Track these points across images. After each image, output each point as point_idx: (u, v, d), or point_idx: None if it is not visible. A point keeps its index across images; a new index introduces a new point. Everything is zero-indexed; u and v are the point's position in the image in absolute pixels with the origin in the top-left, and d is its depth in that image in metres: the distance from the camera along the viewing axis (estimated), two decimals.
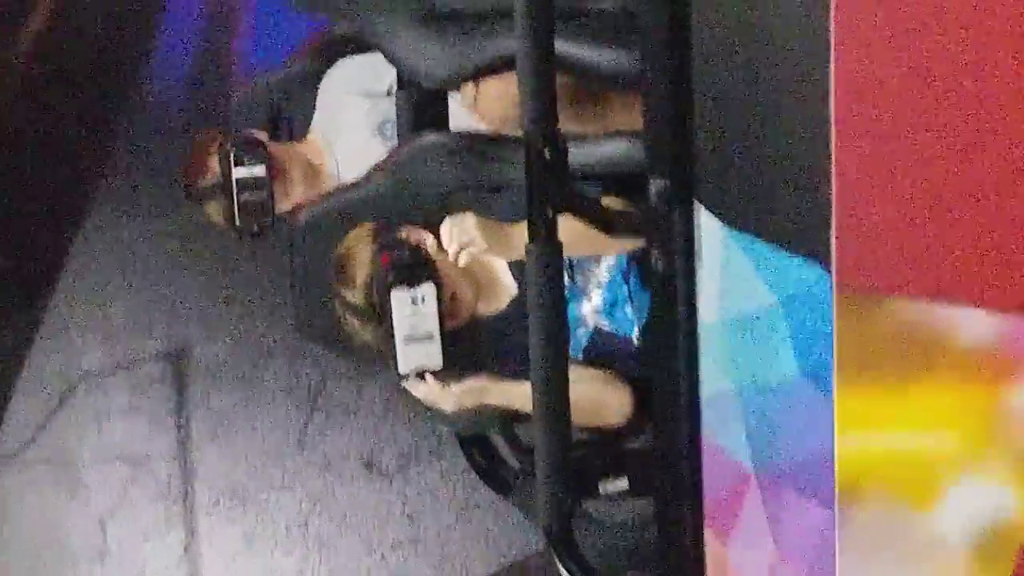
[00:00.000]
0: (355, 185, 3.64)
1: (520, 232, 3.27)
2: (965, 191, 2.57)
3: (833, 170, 2.57)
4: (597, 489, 3.38)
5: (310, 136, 4.20)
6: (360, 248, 3.42)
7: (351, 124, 4.13)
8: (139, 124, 6.20)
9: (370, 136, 4.11)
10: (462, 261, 3.34)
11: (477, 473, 3.77)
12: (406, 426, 5.54)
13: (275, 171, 4.02)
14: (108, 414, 5.76)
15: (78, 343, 5.86)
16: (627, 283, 3.53)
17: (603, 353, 3.56)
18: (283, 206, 4.09)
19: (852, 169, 2.57)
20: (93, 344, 5.86)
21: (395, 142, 3.94)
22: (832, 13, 2.51)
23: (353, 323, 3.42)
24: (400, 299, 3.31)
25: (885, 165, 2.58)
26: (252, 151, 4.01)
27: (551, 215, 2.85)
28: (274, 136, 4.19)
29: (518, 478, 3.72)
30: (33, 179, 6.04)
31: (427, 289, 3.32)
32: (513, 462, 3.74)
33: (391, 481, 5.54)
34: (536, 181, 2.83)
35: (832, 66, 2.53)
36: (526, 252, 2.88)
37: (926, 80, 2.54)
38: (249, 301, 5.83)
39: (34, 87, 6.21)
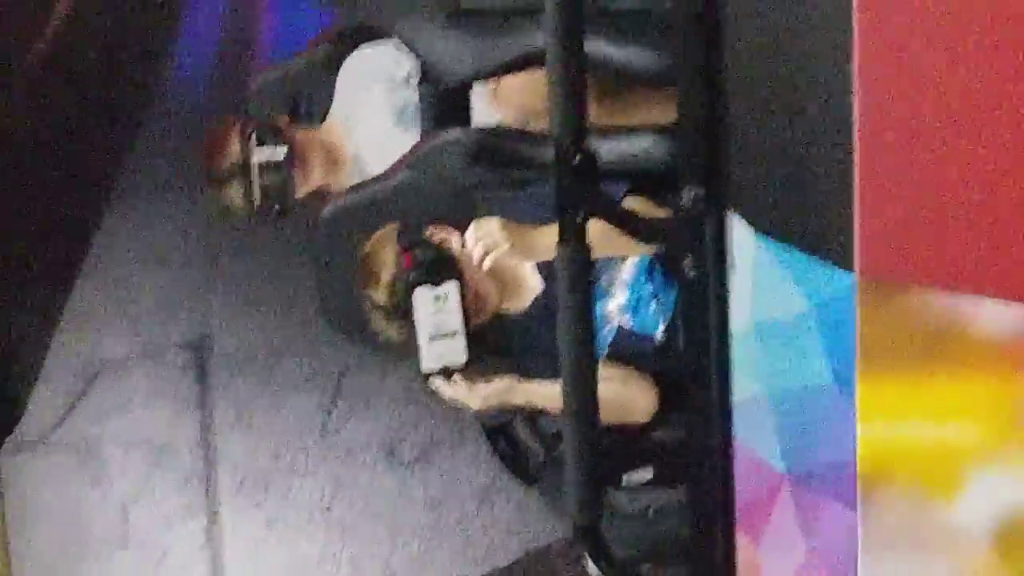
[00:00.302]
0: (378, 179, 3.65)
1: (545, 234, 3.30)
2: (988, 181, 2.57)
3: (856, 158, 2.57)
4: (621, 480, 3.40)
5: (329, 121, 4.22)
6: (385, 248, 3.44)
7: (370, 111, 4.14)
8: (162, 114, 6.20)
9: (389, 122, 4.12)
10: (487, 264, 3.36)
11: (502, 462, 3.78)
12: (428, 413, 5.55)
13: (295, 155, 4.04)
14: (131, 401, 5.78)
15: (102, 331, 5.88)
16: (651, 282, 3.54)
17: (628, 350, 3.58)
18: (303, 190, 4.11)
19: (874, 157, 2.58)
20: (117, 332, 5.87)
21: (415, 128, 3.95)
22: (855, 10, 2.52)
23: (379, 321, 3.45)
24: (423, 297, 3.33)
25: (907, 154, 2.58)
26: (273, 134, 4.03)
27: (581, 220, 2.85)
28: (293, 121, 4.21)
29: (542, 467, 3.73)
30: (57, 169, 6.06)
31: (450, 287, 3.34)
32: (537, 450, 3.76)
33: (413, 468, 5.55)
34: (566, 186, 2.84)
35: (855, 61, 2.54)
36: (556, 256, 2.89)
37: (947, 73, 2.55)
38: (272, 289, 5.84)
39: (59, 75, 6.23)
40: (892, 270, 2.62)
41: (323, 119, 4.24)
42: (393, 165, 3.64)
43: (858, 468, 2.70)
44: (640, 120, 3.50)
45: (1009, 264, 2.59)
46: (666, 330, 3.55)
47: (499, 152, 3.50)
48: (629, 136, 3.39)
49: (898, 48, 2.54)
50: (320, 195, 4.20)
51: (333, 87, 4.21)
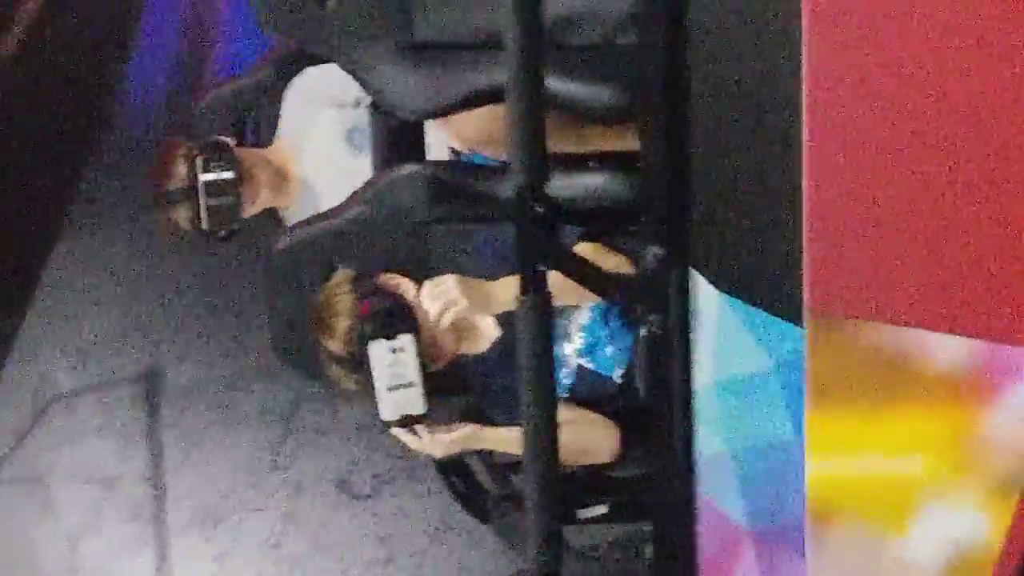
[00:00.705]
0: (332, 213, 3.63)
1: (501, 287, 3.30)
2: (937, 218, 2.58)
3: (804, 194, 2.58)
4: (575, 515, 3.39)
5: (277, 142, 4.20)
6: (339, 297, 3.43)
7: (318, 132, 4.13)
8: (113, 142, 6.19)
9: (338, 144, 4.11)
10: (445, 322, 3.35)
11: (456, 499, 3.76)
12: (380, 448, 5.54)
13: (242, 176, 4.01)
14: (81, 434, 5.75)
15: (51, 363, 5.85)
16: (607, 325, 3.54)
17: (587, 392, 3.57)
18: (250, 211, 4.09)
19: (823, 194, 2.59)
20: (66, 364, 5.85)
21: (365, 150, 3.93)
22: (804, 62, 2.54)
23: (335, 371, 3.43)
24: (379, 351, 3.32)
25: (856, 190, 2.60)
26: (220, 156, 4.00)
27: (542, 270, 2.84)
28: (240, 142, 4.19)
29: (497, 503, 3.71)
30: (5, 196, 6.03)
31: (405, 340, 3.32)
32: (491, 486, 3.73)
33: (365, 503, 5.53)
34: (527, 236, 2.83)
35: (804, 107, 2.55)
36: (517, 305, 2.87)
37: (891, 120, 2.57)
38: (223, 322, 5.82)
39: (7, 103, 6.20)
40: (841, 306, 2.63)
41: (270, 140, 4.22)
42: (347, 200, 3.62)
43: (808, 503, 2.70)
44: (595, 145, 3.49)
45: (957, 299, 2.60)
46: (625, 373, 3.55)
47: (456, 188, 3.48)
48: (582, 174, 3.38)
49: (845, 98, 2.58)
50: (270, 216, 4.19)
51: (280, 107, 4.19)
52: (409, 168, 3.50)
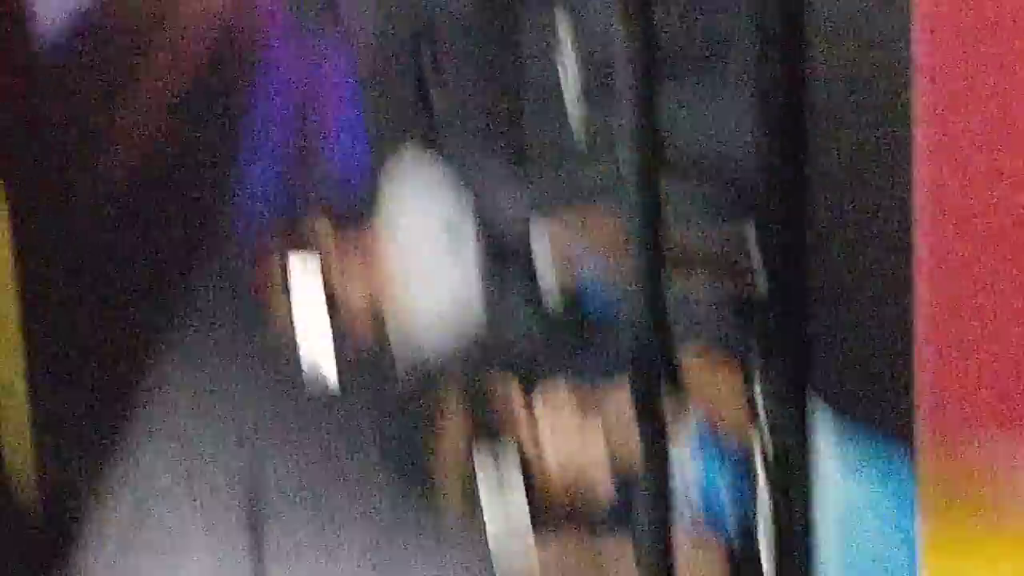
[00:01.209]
0: (441, 347, 3.66)
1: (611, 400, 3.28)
2: None
3: (917, 300, 2.54)
4: None
5: (374, 229, 4.19)
6: (448, 420, 3.45)
7: (415, 224, 4.13)
8: (223, 248, 6.24)
9: (437, 236, 4.10)
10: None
11: None
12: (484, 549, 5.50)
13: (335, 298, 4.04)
14: (180, 541, 5.75)
15: (151, 470, 5.88)
16: (711, 458, 3.52)
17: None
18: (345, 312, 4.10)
19: (938, 300, 2.54)
20: (165, 469, 5.87)
21: (464, 246, 3.94)
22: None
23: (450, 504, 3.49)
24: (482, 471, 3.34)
25: (974, 299, 2.55)
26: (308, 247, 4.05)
27: (658, 403, 2.84)
28: (337, 225, 4.21)
29: None
30: (113, 300, 6.09)
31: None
32: None
33: None
34: (642, 367, 2.84)
35: (916, 205, 2.51)
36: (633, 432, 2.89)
37: (1016, 199, 2.52)
38: (324, 425, 5.83)
39: (121, 218, 6.28)
40: (955, 418, 2.58)
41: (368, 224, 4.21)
42: (455, 330, 3.64)
43: None
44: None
45: None
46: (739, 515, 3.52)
47: (567, 340, 3.49)
48: (686, 282, 3.36)
49: (961, 195, 2.53)
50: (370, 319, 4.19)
51: (379, 192, 4.19)
52: (518, 314, 3.51)
